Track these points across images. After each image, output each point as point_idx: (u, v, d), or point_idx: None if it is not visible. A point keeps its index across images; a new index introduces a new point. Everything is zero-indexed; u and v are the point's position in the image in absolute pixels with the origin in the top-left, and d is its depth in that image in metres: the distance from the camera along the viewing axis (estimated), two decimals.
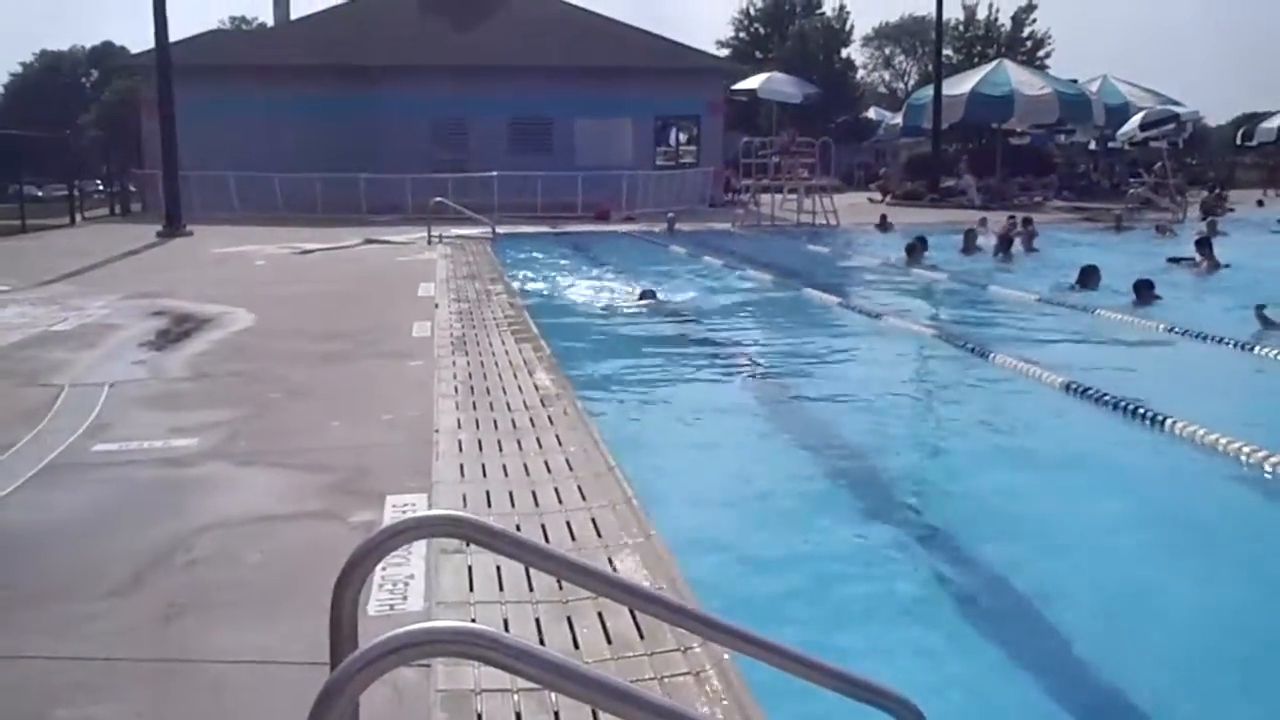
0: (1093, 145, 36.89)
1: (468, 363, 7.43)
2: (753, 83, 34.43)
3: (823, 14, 49.45)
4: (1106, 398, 6.71)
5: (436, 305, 10.19)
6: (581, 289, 13.11)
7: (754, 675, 2.85)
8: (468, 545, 3.44)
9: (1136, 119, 28.41)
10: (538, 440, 5.43)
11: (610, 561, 3.81)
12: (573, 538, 4.08)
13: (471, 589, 3.55)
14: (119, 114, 38.85)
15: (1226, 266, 14.05)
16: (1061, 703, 3.49)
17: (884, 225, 21.58)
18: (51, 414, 5.94)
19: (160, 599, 3.50)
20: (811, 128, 30.01)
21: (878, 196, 31.84)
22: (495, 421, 5.81)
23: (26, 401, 6.27)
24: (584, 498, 4.53)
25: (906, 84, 59.94)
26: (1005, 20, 47.31)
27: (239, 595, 3.56)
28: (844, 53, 48.82)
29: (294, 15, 32.71)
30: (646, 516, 4.26)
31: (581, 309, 11.74)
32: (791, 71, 38.26)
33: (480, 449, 5.27)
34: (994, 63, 33.96)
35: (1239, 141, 41.63)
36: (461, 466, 4.98)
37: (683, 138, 31.12)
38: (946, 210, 26.31)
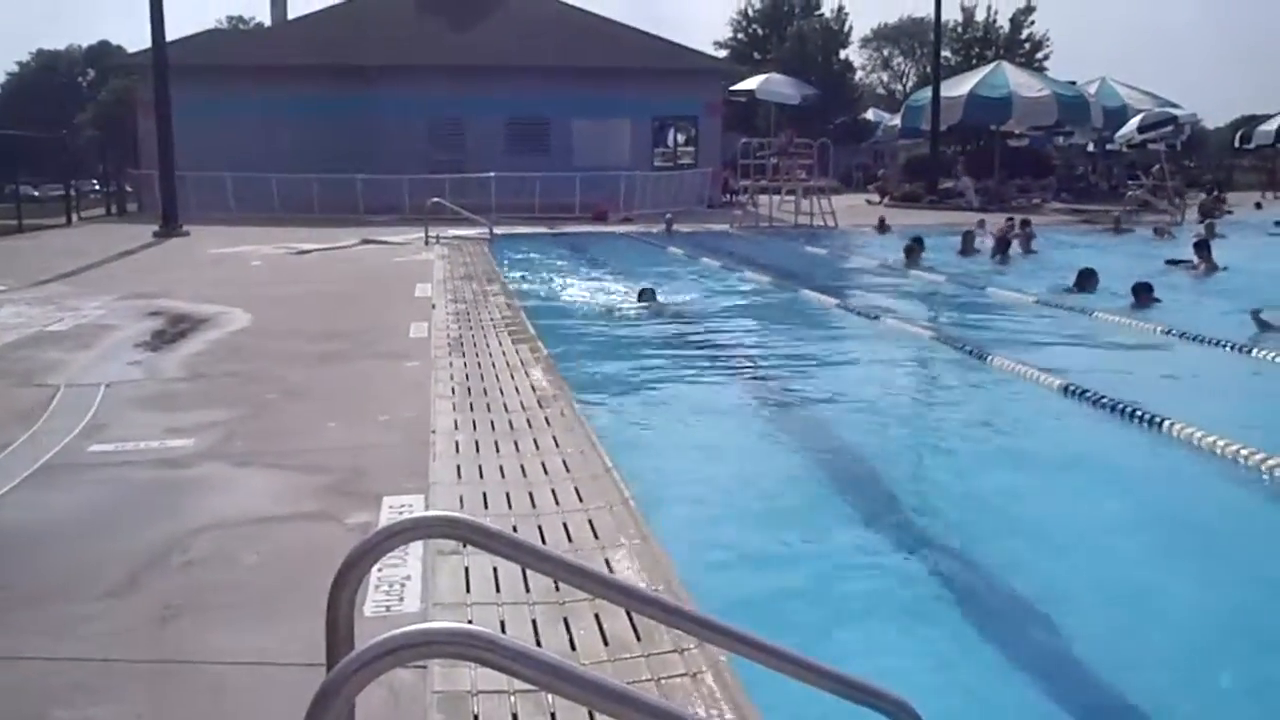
0: (1091, 147, 36.94)
1: (465, 364, 7.42)
2: (751, 84, 34.43)
3: (821, 15, 49.58)
4: (1104, 400, 6.72)
5: (433, 306, 10.18)
6: (579, 290, 13.10)
7: (750, 677, 2.85)
8: (464, 546, 3.44)
9: (1135, 121, 28.47)
10: (535, 441, 5.43)
11: (607, 563, 3.80)
12: (569, 539, 4.07)
13: (468, 590, 3.55)
14: (116, 114, 38.77)
15: (1225, 269, 14.07)
16: (1060, 703, 3.49)
17: (882, 227, 21.60)
18: (47, 414, 5.93)
19: (157, 600, 3.50)
20: (810, 129, 29.99)
21: (876, 198, 31.90)
22: (492, 422, 5.81)
23: (22, 402, 6.26)
24: (581, 499, 4.52)
25: (905, 85, 60.06)
26: (1004, 22, 47.62)
27: (235, 596, 3.55)
28: (842, 54, 48.94)
29: (291, 15, 32.76)
30: (643, 518, 4.25)
31: (579, 310, 11.73)
32: (790, 73, 38.30)
33: (477, 450, 5.26)
34: (992, 64, 34.04)
35: (1237, 144, 41.64)
36: (458, 467, 4.97)
37: (681, 139, 31.05)
38: (944, 212, 26.35)
